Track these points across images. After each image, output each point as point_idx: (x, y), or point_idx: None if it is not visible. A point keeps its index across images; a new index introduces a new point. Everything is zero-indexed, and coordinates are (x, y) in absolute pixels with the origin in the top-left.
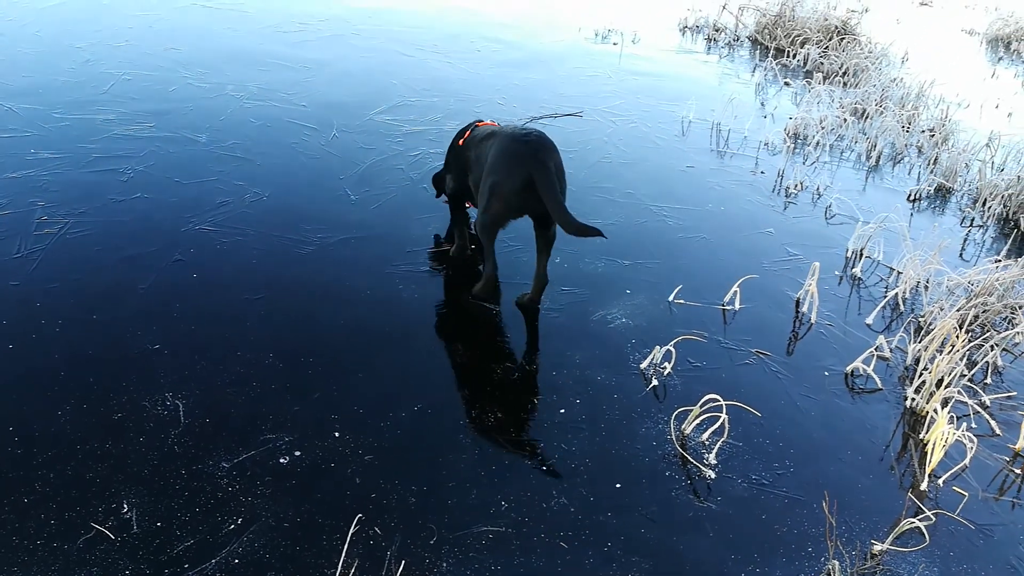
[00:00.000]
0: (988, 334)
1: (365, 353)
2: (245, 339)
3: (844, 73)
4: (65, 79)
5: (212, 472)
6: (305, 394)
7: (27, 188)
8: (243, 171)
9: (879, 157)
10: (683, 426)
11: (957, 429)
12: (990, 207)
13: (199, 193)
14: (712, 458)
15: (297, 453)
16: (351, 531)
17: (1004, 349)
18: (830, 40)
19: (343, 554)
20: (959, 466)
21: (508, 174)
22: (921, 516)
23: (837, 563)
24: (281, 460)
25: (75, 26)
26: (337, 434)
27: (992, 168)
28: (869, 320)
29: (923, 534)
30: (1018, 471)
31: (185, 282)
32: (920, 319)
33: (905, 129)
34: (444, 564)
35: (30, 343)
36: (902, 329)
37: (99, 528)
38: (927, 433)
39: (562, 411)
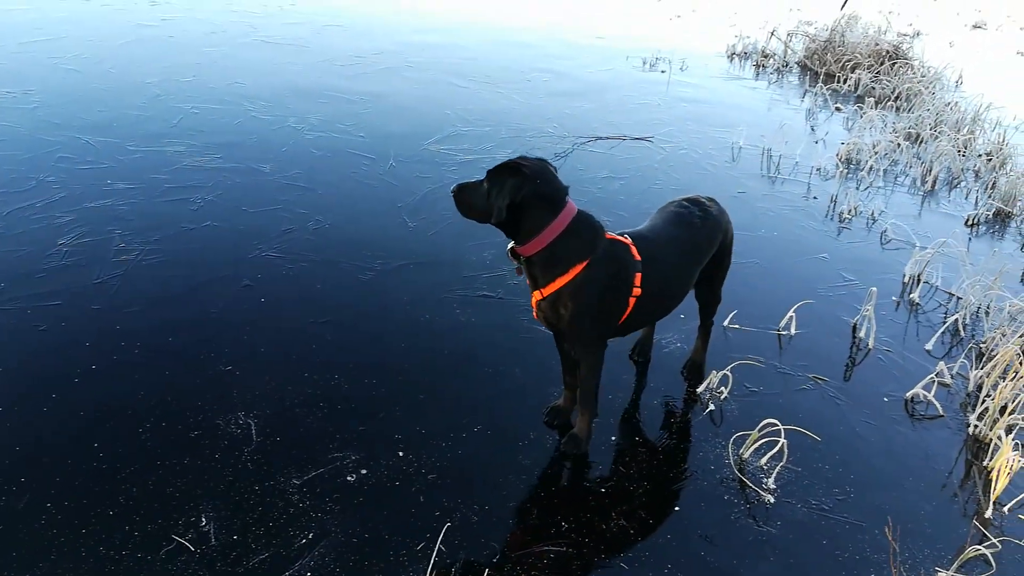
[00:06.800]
0: None
1: (426, 376)
2: (312, 361)
3: (896, 98)
4: (137, 113)
5: (284, 488)
6: (370, 415)
7: (105, 217)
8: (306, 200)
9: (935, 182)
10: (741, 451)
11: (1022, 456)
12: None
13: (265, 221)
14: (771, 483)
15: (363, 471)
16: (417, 548)
17: None
18: (881, 65)
19: (410, 571)
20: None
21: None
22: (987, 543)
23: None
24: (348, 478)
25: (145, 63)
26: (401, 453)
27: None
28: (928, 346)
29: (989, 562)
30: None
31: (254, 307)
32: (981, 345)
33: (961, 153)
34: None
35: (112, 364)
36: (963, 355)
37: (180, 540)
38: (991, 460)
39: (617, 436)
